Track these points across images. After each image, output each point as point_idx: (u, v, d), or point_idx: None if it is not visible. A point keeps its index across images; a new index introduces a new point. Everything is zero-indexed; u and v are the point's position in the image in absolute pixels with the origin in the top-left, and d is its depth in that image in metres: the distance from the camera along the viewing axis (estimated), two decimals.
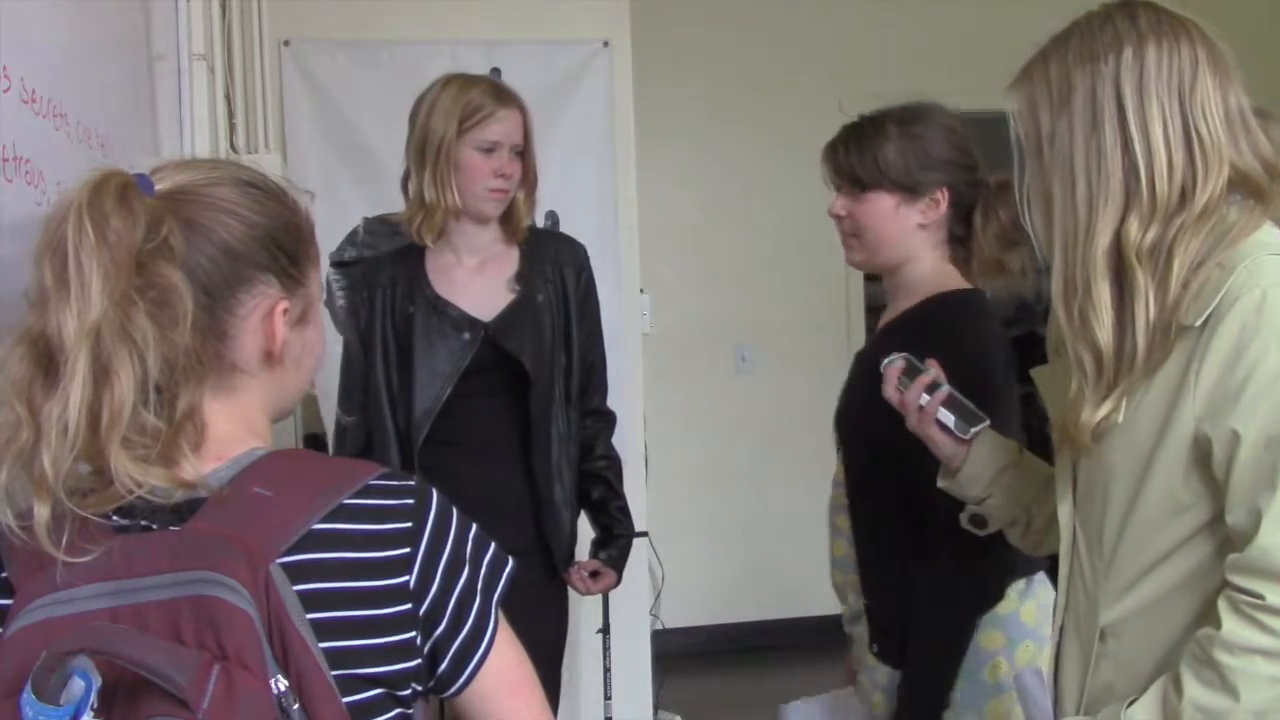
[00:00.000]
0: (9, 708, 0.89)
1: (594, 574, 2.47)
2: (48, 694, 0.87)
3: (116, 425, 0.95)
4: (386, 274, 2.40)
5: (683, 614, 4.84)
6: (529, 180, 2.38)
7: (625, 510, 2.53)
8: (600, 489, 2.49)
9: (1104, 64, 1.45)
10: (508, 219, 2.39)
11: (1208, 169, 1.36)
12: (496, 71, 3.89)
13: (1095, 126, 1.40)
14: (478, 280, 2.39)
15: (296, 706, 0.93)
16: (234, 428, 1.06)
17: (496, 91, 2.34)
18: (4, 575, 0.99)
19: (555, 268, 2.43)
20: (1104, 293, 1.35)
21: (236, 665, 0.90)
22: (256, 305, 1.05)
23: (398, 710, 1.05)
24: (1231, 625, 1.22)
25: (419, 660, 1.05)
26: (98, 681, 0.87)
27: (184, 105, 2.33)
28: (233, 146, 2.99)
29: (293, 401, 1.16)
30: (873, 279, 6.09)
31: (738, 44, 5.24)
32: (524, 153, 2.35)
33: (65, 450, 0.94)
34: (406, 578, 1.04)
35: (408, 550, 1.04)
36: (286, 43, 3.82)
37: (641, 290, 4.14)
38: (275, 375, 1.09)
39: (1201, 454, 1.29)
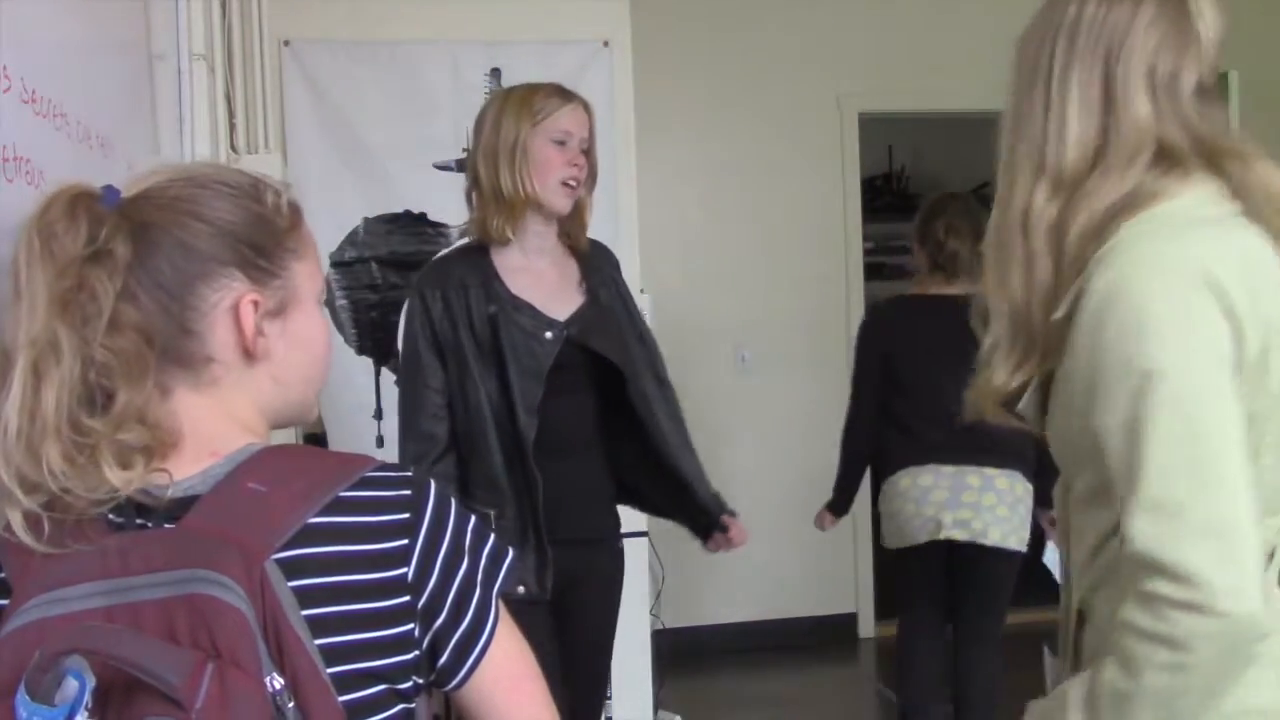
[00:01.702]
0: (4, 709, 0.89)
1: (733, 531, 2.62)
2: (41, 694, 0.87)
3: (46, 428, 0.96)
4: (455, 275, 2.37)
5: (683, 614, 4.84)
6: (592, 182, 2.41)
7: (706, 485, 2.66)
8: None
9: (1051, 20, 1.34)
10: (573, 219, 2.41)
11: (1121, 138, 1.28)
12: (497, 72, 3.90)
13: (1030, 87, 1.35)
14: (548, 281, 2.40)
15: (292, 705, 0.92)
16: (225, 425, 1.06)
17: (562, 90, 2.37)
18: (2, 576, 1.00)
19: (607, 272, 2.50)
20: (1018, 251, 1.31)
21: (230, 664, 0.90)
22: (220, 299, 1.05)
23: (400, 706, 1.05)
24: (1133, 612, 1.18)
25: (417, 653, 1.05)
26: (92, 682, 0.87)
27: (184, 105, 2.33)
28: (233, 146, 2.99)
29: (299, 399, 1.14)
30: (872, 279, 6.11)
31: (738, 44, 5.24)
32: (589, 151, 2.37)
33: (10, 451, 0.96)
34: (404, 570, 1.03)
35: (405, 542, 1.04)
36: (286, 43, 3.82)
37: (641, 290, 4.14)
38: (262, 371, 1.08)
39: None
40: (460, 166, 3.71)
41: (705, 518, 2.54)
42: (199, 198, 1.06)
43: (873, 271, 6.25)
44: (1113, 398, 1.20)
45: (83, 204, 1.01)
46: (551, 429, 2.34)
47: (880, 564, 5.56)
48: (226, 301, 1.05)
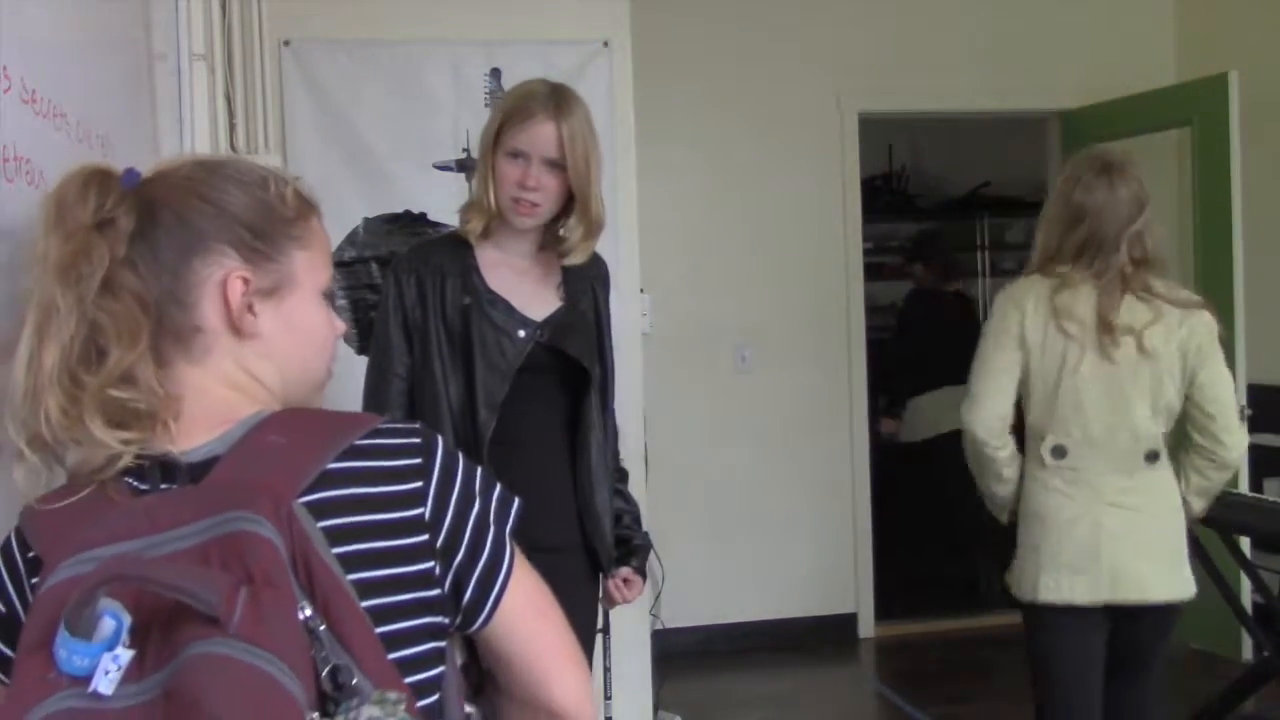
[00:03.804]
0: (39, 660, 0.92)
1: (625, 581, 2.49)
2: (81, 629, 0.90)
3: (46, 382, 1.03)
4: (434, 262, 2.33)
5: (683, 614, 4.84)
6: (580, 199, 2.28)
7: (638, 519, 2.55)
8: (616, 500, 2.49)
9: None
10: (556, 243, 2.33)
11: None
12: (497, 72, 3.89)
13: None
14: (527, 281, 2.35)
15: (323, 628, 0.96)
16: (230, 394, 1.11)
17: (546, 98, 2.25)
18: (32, 555, 1.04)
19: (589, 281, 2.42)
20: None
21: (264, 585, 0.93)
22: (210, 274, 1.10)
23: (430, 644, 1.09)
24: None
25: (440, 591, 1.09)
26: (128, 620, 0.91)
27: (184, 105, 2.33)
28: (233, 146, 2.99)
29: (297, 382, 1.17)
30: (872, 279, 6.10)
31: (737, 44, 5.24)
32: (565, 170, 2.24)
33: (20, 408, 1.04)
34: (421, 510, 1.08)
35: (420, 484, 1.09)
36: (286, 43, 3.82)
37: (641, 290, 4.14)
38: (253, 348, 1.12)
39: None
40: (460, 166, 3.71)
41: (603, 556, 2.42)
42: (207, 180, 1.12)
43: (873, 271, 6.26)
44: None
45: (96, 179, 1.08)
46: (510, 429, 2.29)
47: (880, 564, 5.56)
48: (217, 276, 1.10)
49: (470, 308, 2.28)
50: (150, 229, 1.09)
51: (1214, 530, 3.66)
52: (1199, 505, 2.76)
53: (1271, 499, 4.14)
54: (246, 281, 1.11)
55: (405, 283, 2.32)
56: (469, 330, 2.28)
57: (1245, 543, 4.11)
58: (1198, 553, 3.63)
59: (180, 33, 2.32)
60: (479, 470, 1.15)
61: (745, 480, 5.33)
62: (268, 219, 1.13)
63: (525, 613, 1.15)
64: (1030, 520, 2.69)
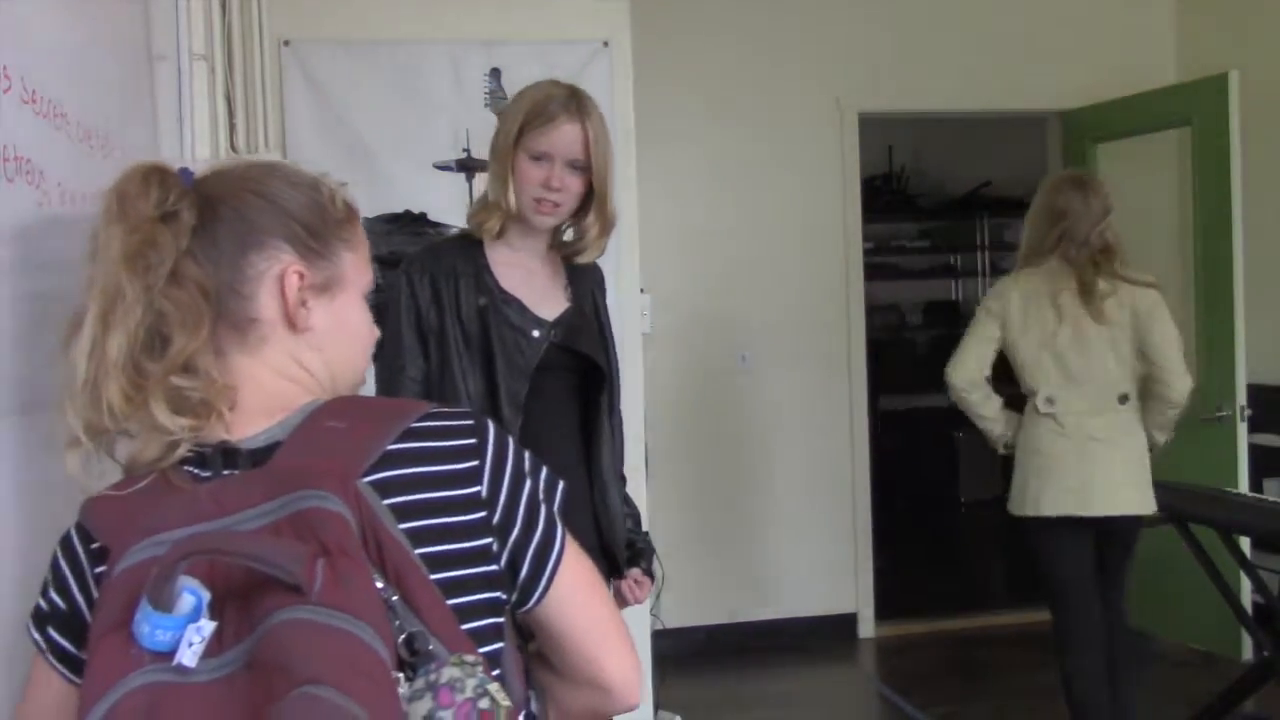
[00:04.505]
0: (119, 639, 0.94)
1: (635, 582, 2.50)
2: (162, 604, 0.93)
3: (109, 369, 1.05)
4: (446, 263, 2.32)
5: (683, 614, 4.84)
6: (599, 197, 2.30)
7: (639, 521, 2.56)
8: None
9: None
10: (580, 234, 2.35)
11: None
12: (497, 72, 3.90)
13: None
14: (536, 281, 2.36)
15: (396, 598, 0.99)
16: (284, 385, 1.14)
17: (568, 100, 2.26)
18: (96, 546, 1.06)
19: (589, 285, 2.44)
20: None
21: (339, 555, 0.96)
22: (269, 267, 1.14)
23: (490, 620, 1.11)
24: None
25: (497, 567, 1.12)
26: (207, 595, 0.94)
27: (184, 105, 2.33)
28: (233, 146, 2.99)
29: (343, 376, 1.21)
30: (872, 279, 6.10)
31: (738, 44, 5.24)
32: (588, 168, 2.26)
33: (80, 396, 1.05)
34: (478, 488, 1.12)
35: (475, 463, 1.13)
36: (286, 43, 3.82)
37: (641, 290, 4.14)
38: (305, 341, 1.15)
39: None
40: (460, 166, 3.71)
41: (615, 557, 2.43)
42: (263, 179, 1.16)
43: (873, 271, 6.25)
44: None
45: (156, 175, 1.11)
46: (530, 429, 2.28)
47: (880, 564, 5.57)
48: (274, 270, 1.14)
49: (487, 308, 2.28)
50: (210, 223, 1.12)
51: (1214, 530, 3.66)
52: (1160, 438, 3.49)
53: (1271, 499, 4.14)
54: (302, 276, 1.15)
55: (419, 283, 2.31)
56: (487, 330, 2.28)
57: (1245, 543, 4.11)
58: (1198, 552, 3.64)
59: (180, 33, 2.32)
60: (526, 451, 1.18)
61: (745, 480, 5.33)
62: (321, 218, 1.17)
63: (577, 590, 1.18)
64: (1030, 454, 3.45)
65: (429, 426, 1.12)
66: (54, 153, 1.44)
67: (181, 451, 1.07)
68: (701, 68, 5.19)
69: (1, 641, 1.25)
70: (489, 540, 1.11)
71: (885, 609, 5.50)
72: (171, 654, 0.93)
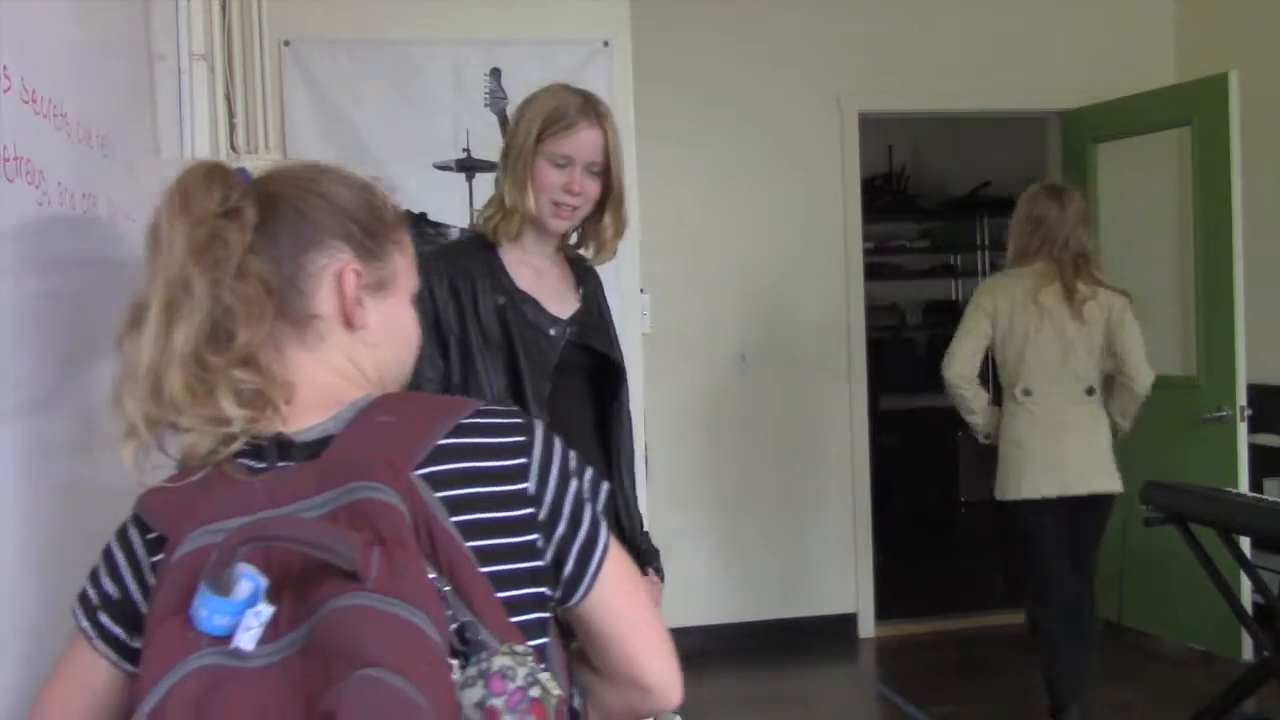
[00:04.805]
0: (177, 623, 0.96)
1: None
2: (221, 589, 0.94)
3: (172, 360, 1.07)
4: (461, 265, 2.34)
5: (683, 614, 4.84)
6: (615, 201, 2.34)
7: (641, 521, 2.59)
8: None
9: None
10: (594, 237, 2.38)
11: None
12: (497, 72, 3.90)
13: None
14: (547, 282, 2.38)
15: (448, 588, 1.01)
16: (336, 380, 1.16)
17: (585, 106, 2.30)
18: (153, 535, 1.08)
19: (592, 288, 2.47)
20: None
21: (395, 545, 0.98)
22: (328, 265, 1.17)
23: (537, 614, 1.13)
24: None
25: (543, 563, 1.14)
26: (265, 582, 0.96)
27: (184, 105, 2.33)
28: (233, 146, 2.99)
29: (391, 375, 1.24)
30: (872, 279, 6.10)
31: (737, 44, 5.24)
32: (606, 174, 2.30)
33: (140, 387, 1.07)
34: (525, 485, 1.14)
35: (524, 460, 1.15)
36: (286, 43, 3.82)
37: (641, 290, 4.14)
38: (360, 338, 1.18)
39: None
40: (460, 166, 3.71)
41: (637, 554, 2.48)
42: (320, 179, 1.20)
43: (873, 271, 6.26)
44: None
45: (218, 172, 1.14)
46: (552, 428, 2.32)
47: (880, 564, 5.57)
48: (333, 267, 1.17)
49: (505, 307, 2.30)
50: (271, 221, 1.14)
51: (1214, 530, 3.66)
52: (1126, 424, 3.91)
53: (1271, 499, 4.14)
54: (359, 275, 1.18)
55: (437, 285, 2.31)
56: (507, 329, 2.29)
57: (1245, 543, 4.11)
58: (1198, 552, 3.64)
59: (180, 33, 2.32)
60: (572, 451, 1.20)
61: (745, 480, 5.33)
62: (374, 219, 1.21)
63: (620, 588, 1.19)
64: (1010, 443, 3.85)
65: (479, 423, 1.14)
66: (54, 153, 1.44)
67: (237, 445, 1.09)
68: (701, 68, 5.19)
69: (1, 641, 1.25)
70: (535, 536, 1.13)
71: (885, 609, 5.50)
72: (228, 638, 0.94)
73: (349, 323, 1.17)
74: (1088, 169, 5.29)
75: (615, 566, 1.19)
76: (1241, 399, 4.62)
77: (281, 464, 1.09)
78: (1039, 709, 4.07)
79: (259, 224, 1.13)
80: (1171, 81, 5.27)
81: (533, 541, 1.13)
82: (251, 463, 1.09)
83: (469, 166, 3.65)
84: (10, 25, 1.32)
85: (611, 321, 2.50)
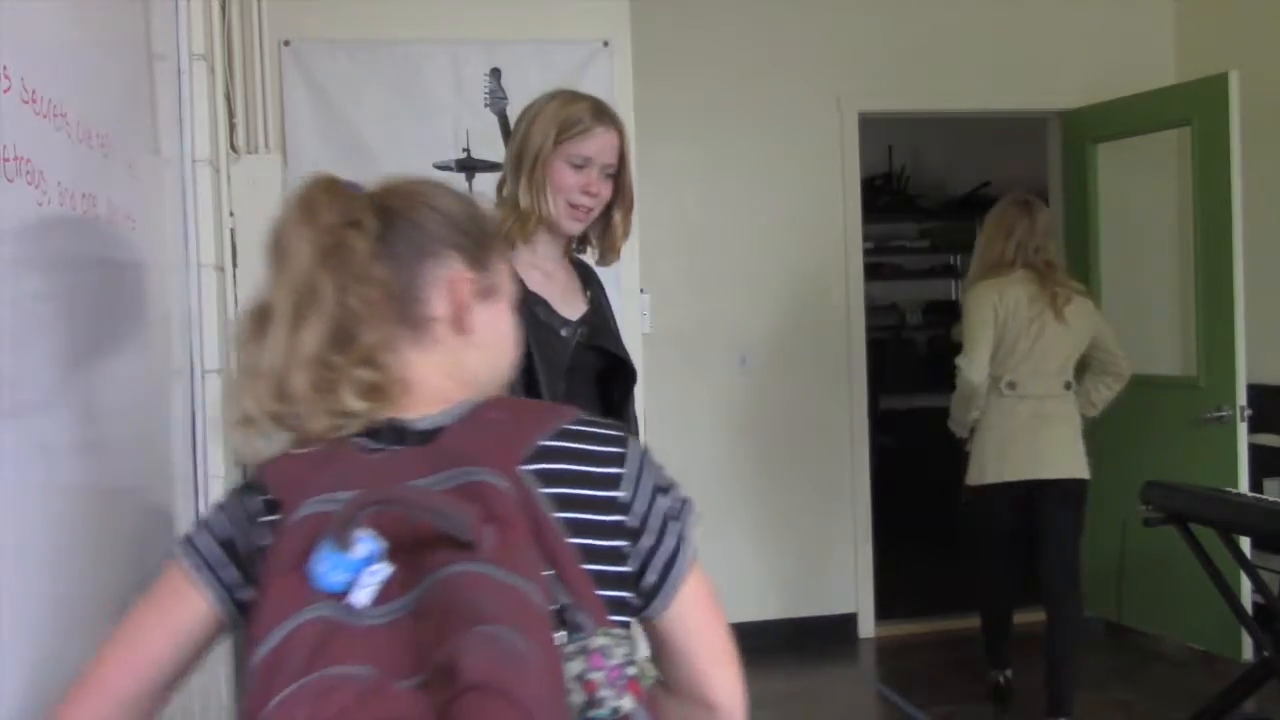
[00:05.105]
0: (293, 579, 1.01)
1: None
2: (342, 544, 1.00)
3: (299, 360, 1.14)
4: None
5: None
6: (625, 203, 2.40)
7: None
8: None
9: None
10: (602, 239, 2.43)
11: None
12: (497, 72, 3.90)
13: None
14: (555, 283, 2.41)
15: (551, 573, 1.06)
16: (446, 382, 1.22)
17: (597, 110, 2.36)
18: (268, 498, 1.14)
19: (598, 288, 2.50)
20: None
21: (506, 524, 1.03)
22: (442, 273, 1.24)
23: (622, 616, 1.18)
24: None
25: (628, 568, 1.19)
26: (383, 544, 1.01)
27: (184, 105, 2.33)
28: (233, 146, 2.99)
29: (491, 380, 1.29)
30: (872, 279, 6.09)
31: (737, 44, 5.24)
32: (618, 176, 2.37)
33: (262, 386, 1.14)
34: (618, 493, 1.20)
35: (620, 469, 1.21)
36: (286, 43, 3.82)
37: (641, 290, 4.14)
38: (469, 343, 1.24)
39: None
40: (460, 166, 3.71)
41: None
42: (432, 193, 1.27)
43: (873, 271, 6.25)
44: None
45: (338, 186, 1.23)
46: None
47: (881, 563, 5.57)
48: (446, 275, 1.24)
49: (518, 308, 2.32)
50: (388, 230, 1.22)
51: (1214, 530, 3.66)
52: (1094, 412, 4.28)
53: (1271, 499, 4.14)
54: (470, 282, 1.25)
55: None
56: (525, 331, 2.30)
57: (1245, 543, 4.11)
58: (1198, 552, 3.64)
59: (180, 33, 2.32)
60: (663, 468, 1.26)
61: (745, 481, 5.33)
62: (481, 230, 1.28)
63: (697, 606, 1.25)
64: (989, 432, 4.18)
65: (581, 430, 1.20)
66: (54, 153, 1.44)
67: (356, 425, 1.15)
68: (701, 68, 5.19)
69: (1, 642, 1.25)
70: (624, 543, 1.19)
71: (885, 609, 5.50)
72: (343, 595, 0.99)
73: (461, 327, 1.24)
74: (1088, 169, 5.29)
75: (695, 585, 1.25)
76: (1241, 399, 4.62)
77: (396, 447, 1.15)
78: (1039, 709, 4.07)
79: (379, 234, 1.21)
80: (1171, 81, 5.27)
81: (621, 548, 1.19)
82: (368, 442, 1.16)
83: (469, 167, 3.65)
84: (10, 25, 1.32)
85: (615, 323, 2.52)
